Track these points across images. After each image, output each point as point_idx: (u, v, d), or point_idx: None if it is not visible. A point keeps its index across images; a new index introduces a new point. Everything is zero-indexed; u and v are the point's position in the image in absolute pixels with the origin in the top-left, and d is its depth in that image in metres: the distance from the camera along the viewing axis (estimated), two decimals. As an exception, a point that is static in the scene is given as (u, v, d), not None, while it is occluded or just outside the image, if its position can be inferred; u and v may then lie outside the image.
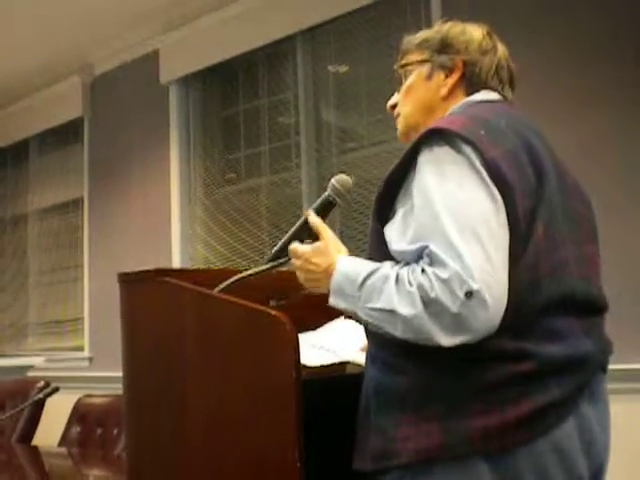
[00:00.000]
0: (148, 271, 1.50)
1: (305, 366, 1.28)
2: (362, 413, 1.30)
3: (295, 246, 1.39)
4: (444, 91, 1.42)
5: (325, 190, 1.51)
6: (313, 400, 1.23)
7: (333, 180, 1.49)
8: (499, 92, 1.43)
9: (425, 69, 1.44)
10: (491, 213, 1.18)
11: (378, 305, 1.19)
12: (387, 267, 1.22)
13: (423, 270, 1.16)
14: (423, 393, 1.20)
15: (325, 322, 1.68)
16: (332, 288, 1.28)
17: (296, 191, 4.04)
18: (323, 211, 1.49)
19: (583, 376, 1.23)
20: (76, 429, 3.21)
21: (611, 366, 1.34)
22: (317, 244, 1.36)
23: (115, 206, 4.97)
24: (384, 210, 1.30)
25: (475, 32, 1.45)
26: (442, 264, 1.14)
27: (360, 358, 1.45)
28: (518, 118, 1.36)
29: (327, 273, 1.30)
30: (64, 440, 3.20)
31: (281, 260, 1.48)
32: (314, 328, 1.62)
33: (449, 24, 1.47)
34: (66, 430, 3.23)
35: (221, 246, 4.38)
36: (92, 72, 5.18)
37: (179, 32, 4.53)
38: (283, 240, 1.49)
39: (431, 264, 1.16)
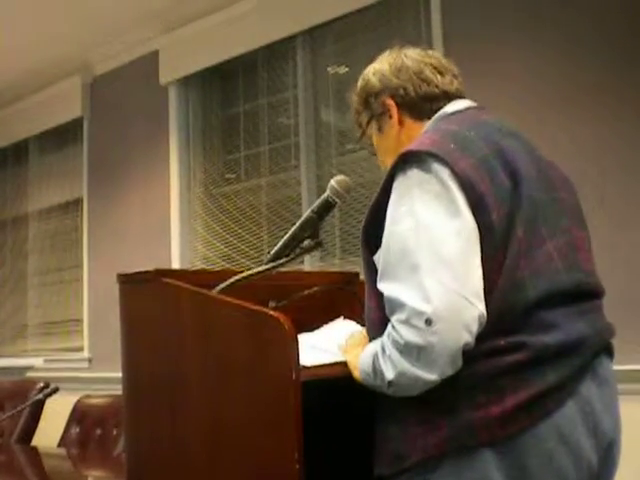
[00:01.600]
0: (147, 272, 1.49)
1: (304, 367, 1.28)
2: (378, 420, 1.33)
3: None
4: (396, 128, 1.49)
5: (324, 191, 1.52)
6: (312, 401, 1.23)
7: (332, 181, 1.51)
8: (450, 93, 1.46)
9: (374, 125, 1.54)
10: (452, 232, 1.21)
11: (384, 383, 1.24)
12: (376, 343, 1.27)
13: (393, 326, 1.21)
14: (425, 394, 1.22)
15: (324, 323, 1.68)
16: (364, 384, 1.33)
17: (295, 192, 4.04)
18: (323, 212, 1.51)
19: (580, 359, 1.24)
20: (75, 430, 3.21)
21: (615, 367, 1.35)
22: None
23: (115, 206, 4.97)
24: (371, 238, 1.34)
25: (382, 65, 1.51)
26: (399, 306, 1.20)
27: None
28: (489, 123, 1.38)
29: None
30: (63, 441, 3.20)
31: (281, 261, 1.49)
32: (314, 329, 1.62)
33: (362, 76, 1.54)
34: (65, 431, 3.23)
35: (221, 246, 4.38)
36: (92, 72, 5.18)
37: (179, 33, 4.53)
38: (283, 240, 1.50)
39: (392, 311, 1.22)
